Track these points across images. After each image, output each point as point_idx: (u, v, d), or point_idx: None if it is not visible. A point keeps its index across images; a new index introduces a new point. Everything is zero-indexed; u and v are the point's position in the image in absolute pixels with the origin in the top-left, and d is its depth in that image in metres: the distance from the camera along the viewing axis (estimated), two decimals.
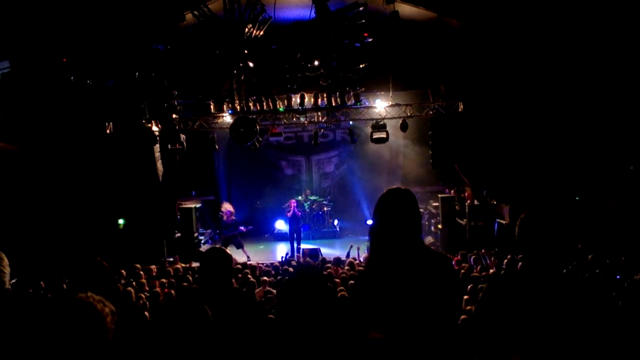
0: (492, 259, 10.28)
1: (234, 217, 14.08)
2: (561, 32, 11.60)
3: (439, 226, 13.92)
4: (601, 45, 11.40)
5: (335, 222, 16.92)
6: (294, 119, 13.82)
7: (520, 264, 8.71)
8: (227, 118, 13.33)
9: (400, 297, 2.45)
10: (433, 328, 2.41)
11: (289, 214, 14.35)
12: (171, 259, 12.53)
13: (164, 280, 9.23)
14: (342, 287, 8.03)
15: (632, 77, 11.45)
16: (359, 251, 11.98)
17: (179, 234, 14.07)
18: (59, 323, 2.08)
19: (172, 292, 8.24)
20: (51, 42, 11.53)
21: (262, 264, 11.45)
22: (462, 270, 8.78)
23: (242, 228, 13.96)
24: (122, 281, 8.84)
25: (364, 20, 11.75)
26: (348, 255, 11.83)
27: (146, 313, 5.78)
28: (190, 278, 9.60)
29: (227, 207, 14.21)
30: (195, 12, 11.43)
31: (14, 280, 7.13)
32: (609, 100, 11.98)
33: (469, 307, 6.23)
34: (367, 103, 13.58)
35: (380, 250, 2.59)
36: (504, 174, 13.32)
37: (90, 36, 11.65)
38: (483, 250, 11.11)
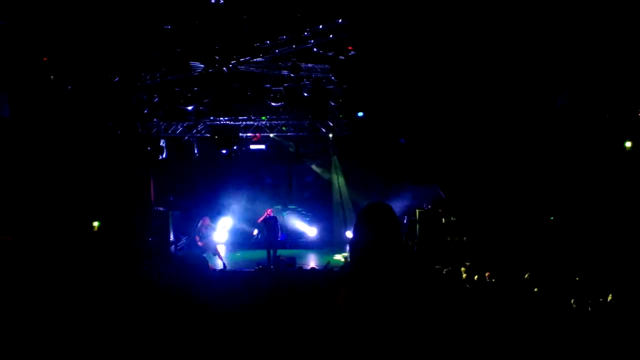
0: (466, 272, 10.39)
1: (212, 225, 14.04)
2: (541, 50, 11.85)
3: (416, 240, 14.02)
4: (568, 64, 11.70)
5: (315, 232, 16.96)
6: (276, 129, 13.87)
7: (488, 278, 8.83)
8: (209, 125, 13.32)
9: (381, 310, 2.48)
10: (412, 343, 2.43)
11: (259, 221, 14.35)
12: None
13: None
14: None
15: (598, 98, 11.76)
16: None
17: (153, 239, 13.93)
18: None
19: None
20: (32, 41, 11.40)
21: (240, 271, 11.40)
22: (438, 284, 8.85)
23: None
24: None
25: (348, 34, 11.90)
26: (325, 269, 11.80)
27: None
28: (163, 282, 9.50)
29: (205, 221, 14.19)
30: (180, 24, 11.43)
31: None
32: (582, 121, 12.27)
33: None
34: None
35: (362, 264, 2.63)
36: (481, 191, 13.52)
37: (72, 37, 11.55)
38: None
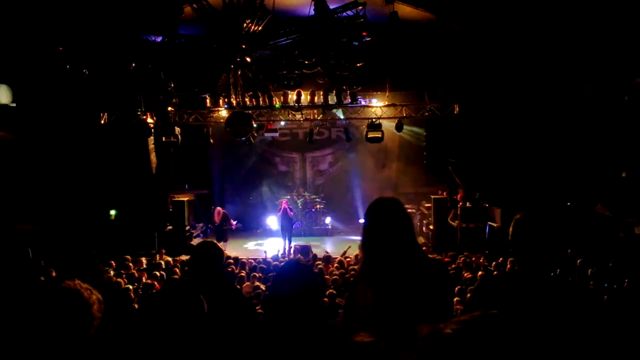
0: (482, 260, 10.31)
1: (225, 214, 14.13)
2: (558, 39, 11.65)
3: (431, 227, 13.95)
4: (597, 53, 11.46)
5: (328, 219, 16.94)
6: (290, 116, 13.80)
7: (509, 265, 8.76)
8: (223, 112, 13.30)
9: (394, 300, 2.45)
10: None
11: (279, 214, 14.41)
12: (153, 252, 12.40)
13: (154, 272, 9.18)
14: (330, 286, 8.05)
15: (627, 84, 11.52)
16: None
17: (170, 227, 14.02)
18: (45, 309, 2.05)
19: (158, 284, 8.19)
20: (47, 30, 11.42)
21: (253, 259, 11.43)
22: (451, 272, 8.81)
23: (232, 222, 14.05)
24: (112, 272, 8.80)
25: (362, 20, 11.72)
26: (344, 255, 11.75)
27: (134, 304, 5.75)
28: (179, 271, 9.57)
29: (218, 211, 14.28)
30: (194, 5, 11.35)
31: None
32: (603, 106, 12.05)
33: (457, 307, 6.25)
34: (363, 102, 13.60)
35: (374, 258, 2.59)
36: (497, 178, 13.38)
37: (88, 25, 11.55)
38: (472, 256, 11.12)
